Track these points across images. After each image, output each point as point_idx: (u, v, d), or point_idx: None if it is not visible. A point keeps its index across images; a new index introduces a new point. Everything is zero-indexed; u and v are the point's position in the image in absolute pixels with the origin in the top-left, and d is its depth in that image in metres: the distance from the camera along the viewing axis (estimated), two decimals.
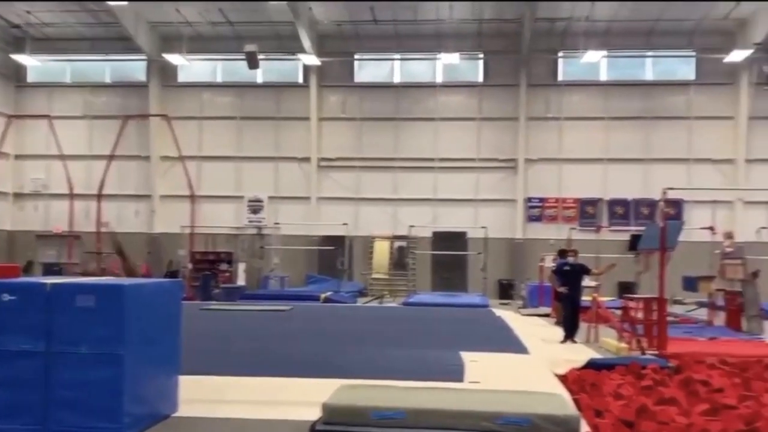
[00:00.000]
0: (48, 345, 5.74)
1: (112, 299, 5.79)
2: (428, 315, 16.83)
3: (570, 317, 12.79)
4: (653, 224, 16.38)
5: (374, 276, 26.69)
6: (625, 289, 21.45)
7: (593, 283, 15.09)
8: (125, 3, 24.26)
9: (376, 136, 27.70)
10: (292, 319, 15.62)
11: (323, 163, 27.89)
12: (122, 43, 27.21)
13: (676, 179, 23.85)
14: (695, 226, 20.42)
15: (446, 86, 27.77)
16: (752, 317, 14.00)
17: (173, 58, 26.07)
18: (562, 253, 14.17)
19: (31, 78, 29.33)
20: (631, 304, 12.43)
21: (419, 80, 28.07)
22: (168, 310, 6.60)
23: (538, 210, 27.16)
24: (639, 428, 6.08)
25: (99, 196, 26.39)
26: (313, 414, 5.71)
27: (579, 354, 10.38)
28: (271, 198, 27.99)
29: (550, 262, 17.62)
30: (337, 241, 25.95)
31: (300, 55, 26.22)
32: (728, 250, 16.63)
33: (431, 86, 27.81)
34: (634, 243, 19.77)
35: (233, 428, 6.35)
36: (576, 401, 6.84)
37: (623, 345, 11.40)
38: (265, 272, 26.71)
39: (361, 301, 22.78)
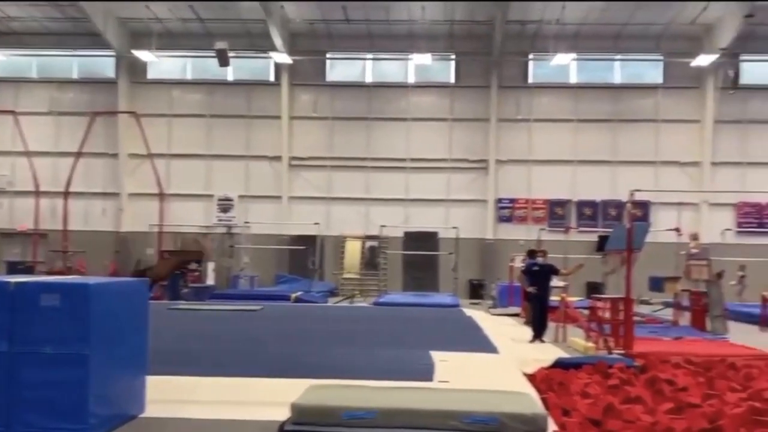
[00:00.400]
0: (12, 345, 5.64)
1: (77, 298, 5.70)
2: (399, 315, 16.85)
3: (539, 317, 12.91)
4: (620, 225, 16.59)
5: (345, 276, 26.66)
6: (593, 289, 21.72)
7: (562, 284, 15.25)
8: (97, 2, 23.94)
9: (347, 136, 27.67)
10: (262, 319, 15.53)
11: (294, 162, 27.77)
12: (90, 39, 26.81)
13: (643, 181, 24.25)
14: (661, 228, 20.71)
15: (418, 87, 27.85)
16: (716, 317, 14.25)
17: (143, 55, 25.75)
18: (532, 254, 14.29)
19: None
20: (599, 304, 12.60)
21: (391, 80, 28.10)
22: (135, 309, 6.53)
23: (508, 211, 27.36)
24: (605, 427, 6.15)
25: (66, 194, 25.93)
26: (282, 414, 5.68)
27: (547, 353, 10.49)
28: (241, 197, 27.80)
29: (519, 263, 17.75)
30: (308, 240, 25.86)
31: (271, 53, 26.08)
32: (694, 251, 16.94)
33: (403, 86, 27.86)
34: (601, 244, 20.08)
35: (201, 429, 6.30)
36: (544, 400, 6.91)
37: (591, 344, 11.53)
38: (235, 272, 26.52)
39: (331, 301, 22.74)
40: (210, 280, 25.07)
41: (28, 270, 23.76)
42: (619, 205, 26.07)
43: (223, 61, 23.78)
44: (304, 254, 25.60)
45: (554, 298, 13.96)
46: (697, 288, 15.29)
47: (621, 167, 26.73)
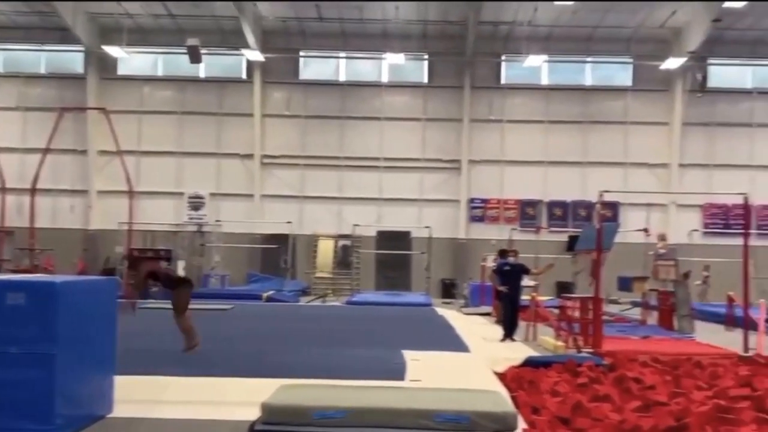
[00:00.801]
0: None
1: (43, 297, 5.60)
2: (371, 314, 16.87)
3: (510, 316, 12.99)
4: (590, 226, 16.76)
5: (318, 275, 26.58)
6: (563, 288, 21.94)
7: (532, 283, 15.37)
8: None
9: (320, 135, 27.59)
10: (233, 318, 15.43)
11: (267, 161, 27.62)
12: (59, 33, 26.39)
13: (612, 182, 24.54)
14: (630, 228, 21.01)
15: (391, 86, 27.88)
16: (683, 317, 14.45)
17: (112, 50, 25.39)
18: (503, 253, 14.38)
19: None
20: (569, 303, 12.72)
21: (365, 79, 28.09)
22: (103, 308, 6.44)
23: (480, 210, 27.52)
24: (574, 425, 6.21)
25: (33, 191, 25.37)
26: (253, 414, 5.65)
27: (518, 352, 10.56)
28: (212, 195, 27.58)
29: (491, 262, 17.86)
30: (280, 239, 25.73)
31: (244, 51, 25.92)
32: (661, 251, 17.16)
33: (377, 86, 27.87)
34: (571, 244, 20.28)
35: (170, 429, 6.24)
36: (514, 398, 6.96)
37: (560, 343, 11.63)
38: (206, 270, 26.27)
39: (304, 300, 22.67)
40: None
41: None
42: (588, 206, 26.36)
43: (195, 58, 23.56)
44: (277, 253, 25.47)
45: (525, 298, 14.07)
46: (665, 288, 15.49)
47: (591, 168, 27.03)
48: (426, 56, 27.80)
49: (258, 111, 27.36)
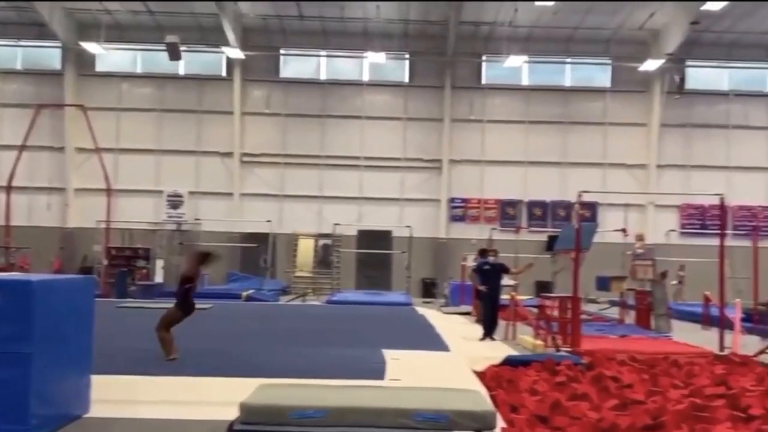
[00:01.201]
0: None
1: (19, 296, 5.51)
2: (352, 313, 16.83)
3: (489, 315, 13.03)
4: (569, 226, 16.88)
5: (298, 274, 26.50)
6: (542, 288, 22.07)
7: (512, 282, 15.45)
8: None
9: (301, 133, 27.51)
10: (212, 317, 15.30)
11: (246, 159, 27.49)
12: (36, 29, 26.07)
13: (591, 183, 24.74)
14: (609, 228, 21.19)
15: (372, 85, 27.86)
16: (660, 316, 14.60)
17: (90, 47, 25.12)
18: (483, 253, 14.43)
19: None
20: (548, 302, 12.80)
21: (346, 78, 28.05)
22: (80, 307, 6.36)
23: (461, 210, 27.61)
24: (552, 423, 6.25)
25: (8, 188, 25.07)
26: (232, 414, 5.61)
27: (497, 351, 10.60)
28: (191, 193, 27.39)
29: (471, 262, 17.91)
30: (260, 238, 25.59)
31: (223, 48, 25.77)
32: (639, 251, 17.34)
33: (358, 84, 27.84)
34: (551, 244, 20.42)
35: (148, 429, 6.18)
36: (493, 397, 6.98)
37: (539, 342, 11.71)
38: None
39: (283, 300, 22.59)
40: (159, 278, 24.59)
41: None
42: (568, 206, 26.55)
43: (174, 55, 23.38)
44: (256, 252, 25.34)
45: (505, 297, 14.13)
46: (643, 287, 15.65)
47: (570, 169, 27.22)
48: (407, 56, 27.83)
49: (238, 109, 27.21)
